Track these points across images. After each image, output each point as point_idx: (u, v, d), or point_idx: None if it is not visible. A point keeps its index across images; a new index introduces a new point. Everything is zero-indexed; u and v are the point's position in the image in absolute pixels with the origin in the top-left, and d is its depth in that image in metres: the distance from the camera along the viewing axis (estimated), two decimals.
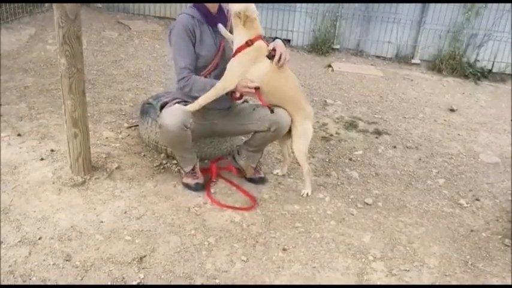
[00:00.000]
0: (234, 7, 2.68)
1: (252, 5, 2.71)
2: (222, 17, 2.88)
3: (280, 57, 2.71)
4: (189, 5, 2.86)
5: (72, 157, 2.85)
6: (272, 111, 2.80)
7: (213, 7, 2.81)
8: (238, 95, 2.82)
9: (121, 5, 6.94)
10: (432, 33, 6.39)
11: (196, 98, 2.75)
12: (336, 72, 5.87)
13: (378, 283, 2.40)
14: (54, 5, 2.48)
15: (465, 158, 3.89)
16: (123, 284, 2.19)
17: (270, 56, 2.72)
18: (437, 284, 2.43)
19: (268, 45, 2.77)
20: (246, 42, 2.70)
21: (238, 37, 2.73)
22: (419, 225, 2.89)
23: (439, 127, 4.50)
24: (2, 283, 2.09)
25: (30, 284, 2.12)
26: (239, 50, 2.72)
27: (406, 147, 3.97)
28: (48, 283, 2.12)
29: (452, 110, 4.96)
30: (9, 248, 2.29)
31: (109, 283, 2.18)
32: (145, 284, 2.21)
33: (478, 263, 2.61)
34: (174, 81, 2.92)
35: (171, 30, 2.80)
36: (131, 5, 6.93)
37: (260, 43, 2.74)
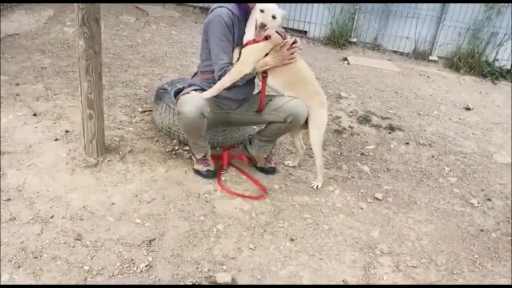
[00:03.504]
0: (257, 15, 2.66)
1: (274, 6, 2.68)
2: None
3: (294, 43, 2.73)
4: None
5: (86, 138, 2.88)
6: (261, 111, 2.86)
7: (253, 4, 2.78)
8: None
9: None
10: (452, 30, 6.31)
11: (214, 83, 2.76)
12: (351, 65, 5.83)
13: (385, 278, 2.40)
14: None
15: (478, 158, 3.85)
16: (132, 265, 2.22)
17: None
18: (443, 282, 2.42)
19: (282, 36, 2.78)
20: (254, 39, 2.72)
21: (250, 32, 2.74)
22: (429, 223, 2.88)
23: (454, 125, 4.46)
24: (14, 259, 2.14)
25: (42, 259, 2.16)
26: (249, 43, 2.72)
27: (419, 144, 3.94)
28: (59, 261, 2.16)
29: (468, 109, 4.90)
30: (22, 225, 2.33)
31: (118, 264, 2.21)
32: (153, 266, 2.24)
33: (486, 263, 2.59)
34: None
35: (209, 25, 2.74)
36: None
37: (277, 36, 2.75)
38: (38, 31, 5.12)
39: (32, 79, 3.98)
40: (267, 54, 2.75)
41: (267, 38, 2.72)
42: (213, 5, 2.77)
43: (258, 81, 2.94)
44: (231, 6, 2.73)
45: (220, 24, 2.69)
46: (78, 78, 2.76)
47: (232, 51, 2.78)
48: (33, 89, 3.78)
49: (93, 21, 2.56)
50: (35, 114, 3.38)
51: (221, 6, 2.71)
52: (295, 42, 2.76)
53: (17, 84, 3.82)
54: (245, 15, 2.76)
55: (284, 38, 2.79)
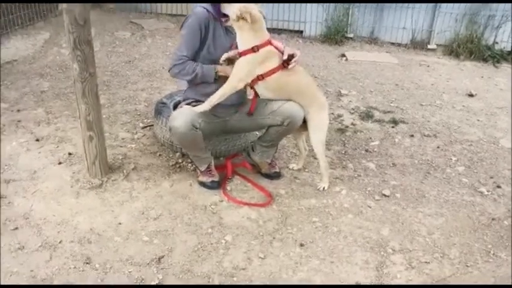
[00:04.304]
0: (233, 10, 2.61)
1: (251, 4, 2.64)
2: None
3: (289, 60, 2.70)
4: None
5: (88, 160, 2.89)
6: (251, 115, 2.87)
7: (223, 7, 2.78)
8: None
9: (133, 4, 6.98)
10: (448, 17, 6.24)
11: (208, 94, 2.75)
12: (350, 61, 5.79)
13: (398, 276, 2.37)
14: (64, 11, 2.51)
15: (485, 144, 3.80)
16: (142, 284, 2.22)
17: (285, 65, 2.71)
18: (458, 276, 2.39)
19: (277, 48, 2.74)
20: (252, 48, 2.66)
21: (243, 41, 2.67)
22: (439, 216, 2.85)
23: (458, 113, 4.41)
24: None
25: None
26: (244, 53, 2.67)
27: (423, 136, 3.90)
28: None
29: (471, 95, 4.85)
30: (30, 253, 2.34)
31: (128, 285, 2.21)
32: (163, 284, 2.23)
33: (500, 252, 2.55)
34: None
35: (185, 21, 2.81)
36: (143, 4, 6.97)
37: (268, 49, 2.70)
38: (35, 55, 5.17)
39: (32, 104, 4.01)
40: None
41: (254, 49, 2.67)
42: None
43: None
44: (208, 5, 2.77)
45: (192, 22, 2.74)
46: (76, 101, 2.77)
47: (204, 48, 2.77)
48: (34, 114, 3.80)
49: (85, 44, 2.57)
50: (37, 140, 3.40)
51: (200, 6, 2.78)
52: (292, 56, 2.71)
53: (18, 111, 3.85)
54: (219, 15, 2.78)
55: (282, 51, 2.74)
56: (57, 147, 3.32)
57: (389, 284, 2.33)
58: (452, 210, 2.91)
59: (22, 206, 2.68)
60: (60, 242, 2.42)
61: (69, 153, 3.23)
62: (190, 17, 2.77)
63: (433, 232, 2.69)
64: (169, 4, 6.93)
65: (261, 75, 2.71)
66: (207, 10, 2.76)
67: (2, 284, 2.09)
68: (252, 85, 2.76)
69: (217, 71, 2.77)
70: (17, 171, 3.00)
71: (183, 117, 2.69)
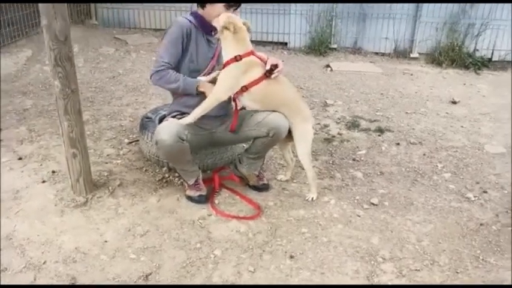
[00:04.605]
0: (219, 21, 2.67)
1: (236, 16, 2.72)
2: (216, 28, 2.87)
3: (272, 70, 2.71)
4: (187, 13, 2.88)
5: (72, 178, 2.85)
6: (233, 132, 2.88)
7: (208, 16, 2.79)
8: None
9: (117, 20, 6.98)
10: (429, 26, 6.35)
11: (193, 106, 2.75)
12: (334, 71, 5.84)
13: (389, 284, 2.36)
14: (44, 28, 2.48)
15: (470, 150, 3.83)
16: None
17: (268, 75, 2.72)
18: (448, 283, 2.38)
19: (260, 58, 2.76)
20: (235, 57, 2.69)
21: (227, 50, 2.72)
22: (428, 223, 2.85)
23: (442, 120, 4.45)
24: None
25: None
26: (227, 63, 2.71)
27: (409, 143, 3.92)
28: None
29: (454, 102, 4.91)
30: (14, 275, 2.28)
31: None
32: None
33: (490, 258, 2.56)
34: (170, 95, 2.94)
35: (166, 30, 2.81)
36: (127, 19, 6.97)
37: (251, 58, 2.73)
38: (17, 73, 5.11)
39: (14, 122, 3.95)
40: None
41: (236, 58, 2.69)
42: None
43: None
44: (190, 16, 2.81)
45: (175, 30, 2.75)
46: (58, 119, 2.73)
47: (185, 58, 2.77)
48: (16, 133, 3.74)
49: (67, 61, 2.54)
50: (20, 158, 3.34)
51: (182, 17, 2.82)
52: (276, 66, 2.73)
53: (0, 130, 3.78)
54: (201, 25, 2.80)
55: (265, 61, 2.77)
56: (41, 165, 3.26)
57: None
58: (440, 217, 2.91)
59: (5, 226, 2.61)
60: (44, 263, 2.36)
61: (53, 171, 3.18)
62: (173, 25, 2.78)
63: (422, 239, 2.69)
64: (152, 19, 6.94)
65: (245, 86, 2.71)
66: (190, 21, 2.77)
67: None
68: (235, 97, 2.76)
69: (198, 86, 2.76)
70: None
71: (168, 129, 2.67)
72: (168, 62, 2.74)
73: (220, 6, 2.73)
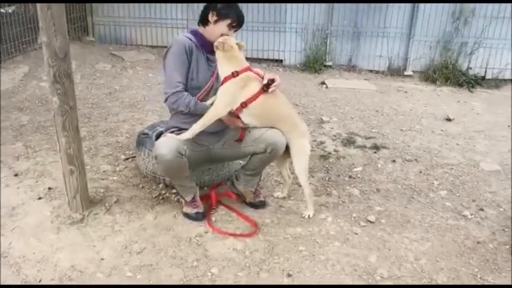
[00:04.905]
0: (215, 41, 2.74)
1: (230, 37, 2.79)
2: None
3: (269, 84, 2.74)
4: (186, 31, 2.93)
5: (69, 194, 2.83)
6: (240, 141, 2.88)
7: (209, 35, 2.84)
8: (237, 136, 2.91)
9: (113, 36, 7.03)
10: (422, 45, 6.45)
11: (191, 122, 2.76)
12: (330, 89, 5.89)
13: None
14: (44, 45, 2.49)
15: (466, 168, 3.86)
16: None
17: (265, 89, 2.75)
18: None
19: (257, 74, 2.80)
20: (232, 73, 2.73)
21: (223, 68, 2.76)
22: (425, 241, 2.85)
23: (437, 138, 4.49)
24: None
25: None
26: (225, 80, 2.75)
27: (405, 160, 3.94)
28: None
29: (448, 120, 4.95)
30: None
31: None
32: None
33: (487, 276, 2.56)
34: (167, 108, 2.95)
35: (168, 49, 2.81)
36: (123, 35, 7.02)
37: (247, 74, 2.77)
38: (14, 89, 5.11)
39: (11, 138, 3.93)
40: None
41: (233, 74, 2.73)
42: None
43: None
44: (188, 34, 2.84)
45: (177, 47, 2.76)
46: (56, 135, 2.73)
47: (189, 74, 2.79)
48: (12, 149, 3.73)
49: (65, 77, 2.55)
50: (16, 175, 3.32)
51: (182, 35, 2.84)
52: (273, 81, 2.76)
53: None
54: (201, 43, 2.83)
55: (262, 76, 2.81)
56: (37, 181, 3.25)
57: None
58: (437, 235, 2.92)
59: (0, 243, 2.58)
60: (40, 281, 2.34)
61: (49, 188, 3.16)
62: (174, 44, 2.79)
63: (420, 258, 2.69)
64: (149, 36, 6.99)
65: (244, 102, 2.73)
66: (190, 39, 2.80)
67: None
68: (237, 114, 2.78)
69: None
70: None
71: (168, 144, 2.67)
72: (181, 82, 2.75)
73: (223, 25, 2.77)
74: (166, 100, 2.80)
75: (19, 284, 2.31)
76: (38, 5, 2.39)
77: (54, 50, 2.47)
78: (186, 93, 2.76)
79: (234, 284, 2.41)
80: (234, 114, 2.80)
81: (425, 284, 2.48)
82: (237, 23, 2.82)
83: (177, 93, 2.74)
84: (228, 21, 2.79)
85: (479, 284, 2.50)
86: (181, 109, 2.77)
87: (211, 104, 2.79)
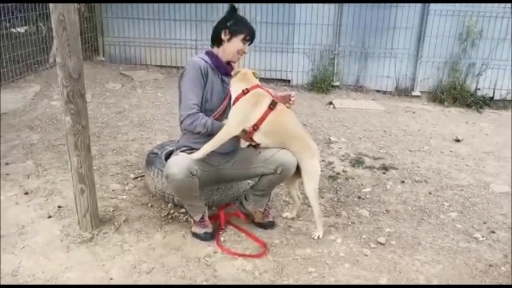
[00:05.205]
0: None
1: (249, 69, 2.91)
2: (230, 69, 2.96)
3: (276, 103, 2.81)
4: (201, 52, 2.97)
5: (79, 213, 2.84)
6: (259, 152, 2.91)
7: (223, 57, 2.90)
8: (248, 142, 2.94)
9: (123, 56, 7.13)
10: (430, 65, 6.48)
11: (201, 142, 2.78)
12: (337, 109, 5.91)
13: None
14: (58, 66, 2.53)
15: (476, 189, 3.83)
16: None
17: (272, 107, 2.79)
18: None
19: (268, 92, 2.84)
20: (243, 91, 2.77)
21: (235, 88, 2.82)
22: (436, 263, 2.82)
23: (446, 158, 4.47)
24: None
25: None
26: (236, 99, 2.79)
27: (414, 181, 3.93)
28: None
29: (457, 141, 4.94)
30: None
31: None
32: None
33: None
34: (178, 129, 2.97)
35: (183, 71, 2.85)
36: (133, 55, 7.12)
37: (257, 90, 2.81)
38: (25, 108, 5.17)
39: (21, 156, 3.97)
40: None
41: (244, 92, 2.78)
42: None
43: None
44: (202, 56, 2.88)
45: (193, 69, 2.80)
46: (67, 154, 2.75)
47: (203, 96, 2.83)
48: (23, 167, 3.76)
49: (79, 97, 2.58)
50: (26, 193, 3.34)
51: (197, 57, 2.88)
52: (289, 96, 2.86)
53: (7, 164, 3.80)
54: (216, 65, 2.88)
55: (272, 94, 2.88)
56: (47, 200, 3.26)
57: None
58: (448, 257, 2.89)
59: (10, 262, 2.58)
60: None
61: (59, 206, 3.17)
62: (190, 66, 2.82)
63: (431, 280, 2.66)
64: (158, 56, 7.08)
65: (255, 124, 2.75)
66: (205, 61, 2.84)
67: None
68: (250, 136, 2.80)
69: None
70: (5, 227, 2.92)
71: (179, 164, 2.68)
72: (196, 103, 2.78)
73: (237, 41, 2.84)
74: (182, 122, 2.82)
75: None
76: (54, 26, 2.45)
77: (68, 71, 2.51)
78: (201, 114, 2.79)
79: None
80: (247, 137, 2.83)
81: None
82: (251, 35, 2.89)
83: (193, 115, 2.77)
84: (242, 35, 2.85)
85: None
86: (198, 130, 2.79)
87: None
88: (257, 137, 2.83)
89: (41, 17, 6.55)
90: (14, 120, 4.80)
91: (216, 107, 2.89)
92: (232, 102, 2.82)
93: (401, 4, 6.33)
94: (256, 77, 2.89)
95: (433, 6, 6.27)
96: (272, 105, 2.78)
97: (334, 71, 6.69)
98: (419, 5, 6.32)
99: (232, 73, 2.84)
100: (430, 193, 3.73)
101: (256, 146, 2.90)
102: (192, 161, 2.71)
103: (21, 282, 2.44)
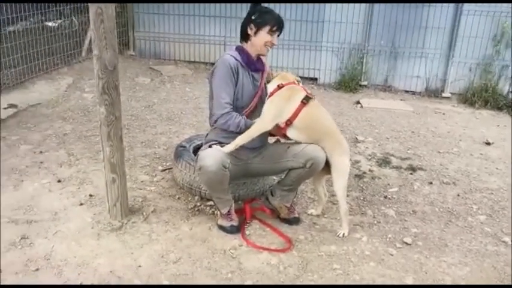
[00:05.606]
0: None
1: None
2: (260, 65, 2.98)
3: (309, 97, 2.83)
4: (231, 49, 2.98)
5: (110, 202, 2.91)
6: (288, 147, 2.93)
7: (252, 51, 2.92)
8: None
9: (153, 51, 7.24)
10: (462, 66, 6.36)
11: (230, 137, 2.82)
12: (365, 108, 5.87)
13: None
14: (94, 58, 2.61)
15: (505, 193, 3.76)
16: None
17: (305, 102, 2.80)
18: None
19: (304, 89, 2.86)
20: (278, 86, 2.81)
21: (271, 85, 2.87)
22: (463, 265, 2.78)
23: (476, 161, 4.40)
24: None
25: None
26: (271, 94, 2.82)
27: (442, 183, 3.87)
28: None
29: (488, 143, 4.85)
30: None
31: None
32: None
33: None
34: (205, 124, 3.00)
35: (214, 69, 2.87)
36: (162, 50, 7.22)
37: (292, 85, 2.82)
38: (58, 99, 5.32)
39: (54, 146, 4.09)
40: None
41: (279, 86, 2.81)
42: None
43: None
44: (233, 53, 2.89)
45: (224, 67, 2.81)
46: (100, 144, 2.83)
47: (234, 94, 2.85)
48: (56, 156, 3.87)
49: (113, 89, 2.65)
50: (59, 181, 3.44)
51: (228, 54, 2.89)
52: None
53: (41, 152, 3.92)
54: (246, 62, 2.90)
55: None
56: (79, 188, 3.36)
57: None
58: (476, 260, 2.85)
59: (43, 247, 2.68)
60: (80, 284, 2.41)
61: (90, 195, 3.26)
62: (221, 64, 2.84)
63: (458, 282, 2.62)
64: (187, 51, 7.16)
65: (289, 119, 2.77)
66: (236, 58, 2.86)
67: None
68: (284, 132, 2.82)
69: None
70: (38, 212, 3.02)
71: (213, 156, 2.71)
72: (229, 102, 2.81)
73: (264, 34, 2.84)
74: (216, 121, 2.86)
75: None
76: (92, 19, 2.52)
77: (104, 63, 2.58)
78: (235, 113, 2.83)
79: None
80: (280, 133, 2.85)
81: None
82: (277, 26, 2.85)
83: (226, 115, 2.80)
84: (268, 27, 2.83)
85: None
86: (231, 129, 2.83)
87: None
88: (290, 133, 2.84)
89: (74, 12, 6.73)
90: (48, 111, 4.95)
91: (246, 105, 2.92)
92: (267, 98, 2.84)
93: (434, 4, 6.23)
94: (299, 83, 2.93)
95: (466, 6, 6.14)
96: (305, 100, 2.79)
97: (363, 70, 6.63)
98: (452, 4, 6.20)
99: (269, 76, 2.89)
100: (458, 195, 3.68)
101: (285, 137, 2.91)
102: (224, 154, 2.74)
103: (53, 265, 2.53)
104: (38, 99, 5.21)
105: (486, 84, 6.16)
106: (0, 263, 2.38)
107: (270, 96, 2.82)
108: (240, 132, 2.81)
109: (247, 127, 2.80)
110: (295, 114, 2.78)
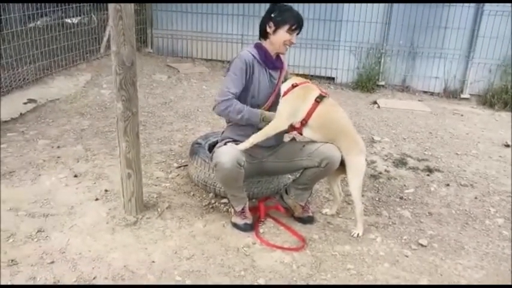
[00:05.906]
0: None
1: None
2: (279, 63, 2.97)
3: (323, 96, 2.83)
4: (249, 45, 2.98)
5: (125, 197, 2.94)
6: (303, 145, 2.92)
7: (271, 49, 2.90)
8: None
9: (170, 49, 7.28)
10: (481, 67, 6.25)
11: (245, 135, 2.82)
12: (382, 108, 5.81)
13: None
14: (112, 54, 2.63)
15: None
16: None
17: (319, 100, 2.79)
18: None
19: (319, 88, 2.85)
20: (292, 85, 2.80)
21: (286, 84, 2.87)
22: (480, 268, 2.74)
23: (495, 163, 4.32)
24: None
25: None
26: (285, 93, 2.82)
27: (460, 185, 3.81)
28: None
29: (507, 146, 4.76)
30: None
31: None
32: None
33: None
34: (221, 121, 3.00)
35: (231, 61, 2.87)
36: (180, 48, 7.26)
37: (307, 84, 2.81)
38: (76, 95, 5.39)
39: (72, 141, 4.14)
40: None
41: (293, 85, 2.81)
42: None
43: None
44: (251, 50, 2.88)
45: (239, 62, 2.80)
46: (117, 139, 2.85)
47: (249, 92, 2.86)
48: (73, 151, 3.92)
49: (130, 85, 2.67)
50: (75, 176, 3.49)
51: (246, 50, 2.89)
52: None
53: (58, 147, 3.98)
54: (264, 59, 2.88)
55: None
56: (95, 183, 3.39)
57: None
58: (493, 264, 2.80)
59: (59, 240, 2.71)
60: (94, 278, 2.43)
61: (106, 190, 3.30)
62: (237, 59, 2.84)
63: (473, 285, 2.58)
64: (204, 49, 7.19)
65: (304, 119, 2.76)
66: (253, 55, 2.85)
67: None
68: (299, 131, 2.82)
69: (264, 117, 2.83)
70: (55, 206, 3.06)
71: (229, 154, 2.72)
72: (232, 92, 2.79)
73: (283, 32, 2.82)
74: (214, 107, 2.86)
75: (75, 279, 2.41)
76: (111, 16, 2.54)
77: (122, 59, 2.60)
78: (235, 100, 2.80)
79: None
80: (296, 132, 2.85)
81: None
82: (297, 24, 2.82)
83: (227, 101, 2.78)
84: (287, 26, 2.81)
85: None
86: (232, 116, 2.81)
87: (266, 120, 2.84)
88: (306, 132, 2.83)
89: (93, 9, 6.81)
90: (66, 106, 5.01)
91: (262, 103, 2.91)
92: (281, 97, 2.83)
93: (454, 4, 6.13)
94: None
95: (487, 6, 6.03)
96: (319, 99, 2.77)
97: (380, 70, 6.57)
98: (473, 4, 6.10)
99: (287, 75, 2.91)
100: (475, 198, 3.62)
101: (301, 135, 2.90)
102: (239, 151, 2.74)
103: (68, 259, 2.56)
104: (57, 94, 5.29)
105: (506, 86, 6.05)
106: (0, 258, 2.42)
107: (284, 95, 2.81)
108: (246, 122, 2.82)
109: (251, 115, 2.80)
110: (310, 114, 2.76)
